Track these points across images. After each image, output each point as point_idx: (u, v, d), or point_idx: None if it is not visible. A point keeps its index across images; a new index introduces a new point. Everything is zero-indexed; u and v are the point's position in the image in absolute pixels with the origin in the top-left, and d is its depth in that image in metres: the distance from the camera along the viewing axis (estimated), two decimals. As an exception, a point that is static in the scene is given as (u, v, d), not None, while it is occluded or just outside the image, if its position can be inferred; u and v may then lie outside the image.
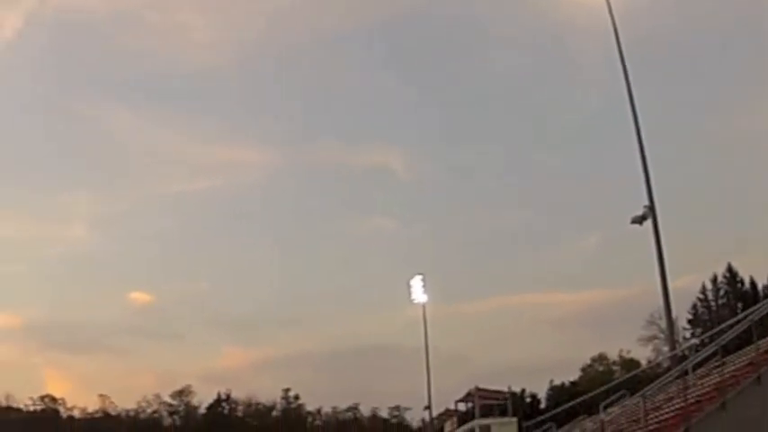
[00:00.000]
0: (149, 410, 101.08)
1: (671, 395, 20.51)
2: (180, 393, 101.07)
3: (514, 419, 47.03)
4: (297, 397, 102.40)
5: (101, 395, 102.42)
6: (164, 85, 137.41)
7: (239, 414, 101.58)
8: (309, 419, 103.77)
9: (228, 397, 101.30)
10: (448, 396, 59.69)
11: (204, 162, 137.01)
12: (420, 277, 61.19)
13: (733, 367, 18.05)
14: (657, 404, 21.17)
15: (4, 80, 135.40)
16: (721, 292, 71.54)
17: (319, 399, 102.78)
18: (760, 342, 18.37)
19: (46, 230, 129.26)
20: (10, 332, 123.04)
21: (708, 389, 18.07)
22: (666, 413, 18.46)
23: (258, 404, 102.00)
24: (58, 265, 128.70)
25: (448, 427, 55.95)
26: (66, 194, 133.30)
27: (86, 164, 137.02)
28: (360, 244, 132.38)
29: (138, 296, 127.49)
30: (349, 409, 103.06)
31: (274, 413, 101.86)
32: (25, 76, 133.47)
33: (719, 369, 17.66)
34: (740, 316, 25.22)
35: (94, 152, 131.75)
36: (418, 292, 61.06)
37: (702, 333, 56.75)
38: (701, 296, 72.09)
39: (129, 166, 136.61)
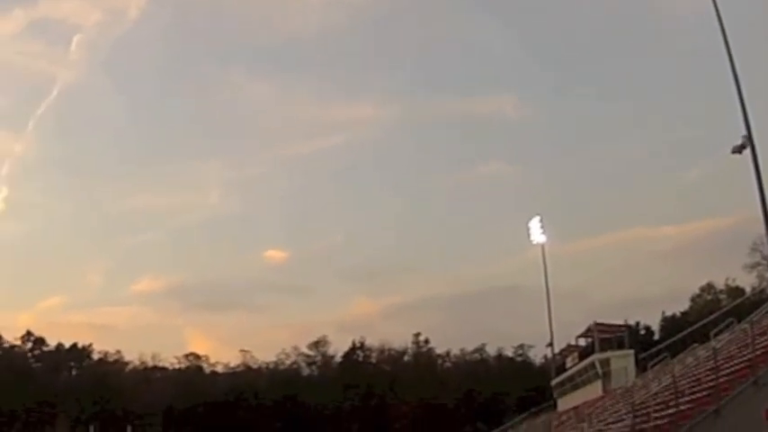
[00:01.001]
0: (288, 362, 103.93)
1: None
2: (316, 344, 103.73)
3: (631, 352, 47.64)
4: (427, 341, 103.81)
5: (241, 350, 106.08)
6: (285, 51, 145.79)
7: (373, 360, 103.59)
8: (439, 362, 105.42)
9: (362, 344, 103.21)
10: (569, 332, 60.78)
11: (327, 121, 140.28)
12: (538, 219, 63.10)
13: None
14: (764, 329, 21.29)
15: (133, 57, 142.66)
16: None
17: (448, 341, 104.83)
18: None
19: (183, 198, 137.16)
20: (153, 296, 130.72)
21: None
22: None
23: (390, 350, 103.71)
24: (195, 230, 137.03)
25: (569, 362, 56.71)
26: (199, 162, 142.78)
27: (216, 132, 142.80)
28: (479, 190, 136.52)
29: (273, 254, 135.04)
30: (476, 351, 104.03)
31: (406, 358, 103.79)
32: (153, 51, 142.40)
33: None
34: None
35: (223, 120, 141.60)
36: (536, 233, 62.75)
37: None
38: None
39: (256, 131, 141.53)
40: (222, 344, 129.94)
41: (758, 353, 18.61)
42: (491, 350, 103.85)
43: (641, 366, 41.53)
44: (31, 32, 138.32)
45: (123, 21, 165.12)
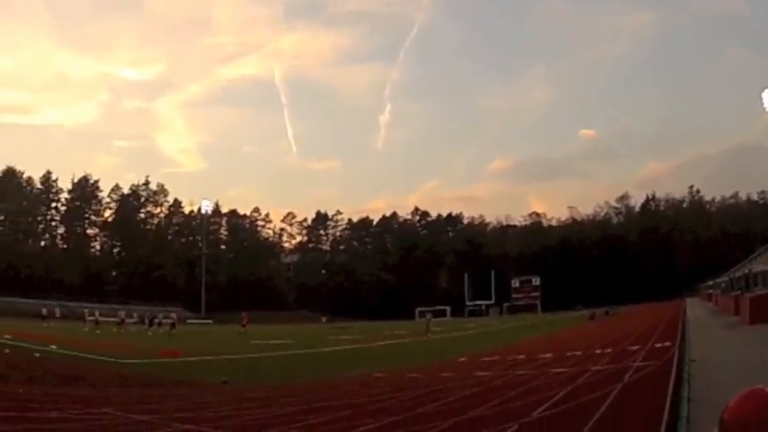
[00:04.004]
0: (602, 214, 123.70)
1: None
2: (621, 198, 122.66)
3: None
4: (698, 191, 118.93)
5: (569, 207, 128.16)
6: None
7: (662, 208, 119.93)
8: (707, 207, 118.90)
9: (654, 196, 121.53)
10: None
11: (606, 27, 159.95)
12: None
13: None
14: None
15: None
16: None
17: (712, 190, 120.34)
18: None
19: (514, 99, 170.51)
20: (504, 172, 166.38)
21: None
22: None
23: (673, 199, 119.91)
24: (529, 119, 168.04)
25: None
26: (524, 66, 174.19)
27: (537, 43, 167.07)
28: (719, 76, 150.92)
29: (585, 133, 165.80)
30: (731, 197, 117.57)
31: (684, 205, 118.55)
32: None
33: None
34: None
35: (542, 33, 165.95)
36: None
37: None
38: None
39: (566, 38, 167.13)
40: (554, 203, 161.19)
41: None
42: (742, 195, 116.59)
43: None
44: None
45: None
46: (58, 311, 65.54)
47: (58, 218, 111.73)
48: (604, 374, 17.78)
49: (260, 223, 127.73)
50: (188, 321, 77.03)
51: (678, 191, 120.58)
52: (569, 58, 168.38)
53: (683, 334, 26.31)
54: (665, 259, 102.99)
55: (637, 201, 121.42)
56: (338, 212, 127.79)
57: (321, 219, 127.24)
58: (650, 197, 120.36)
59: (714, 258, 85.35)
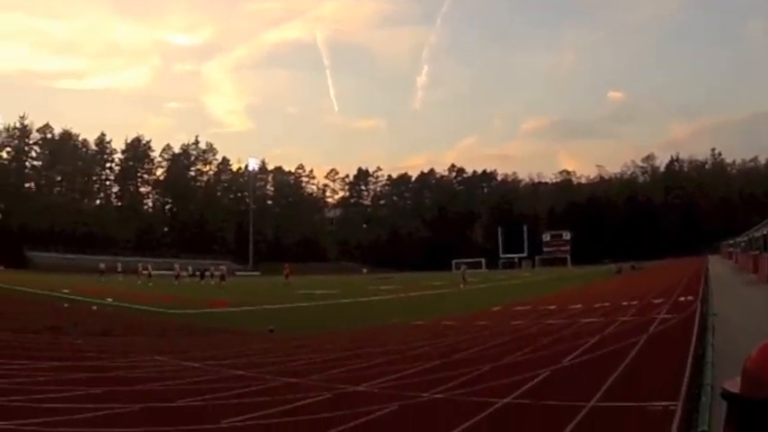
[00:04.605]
0: (628, 173, 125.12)
1: None
2: (647, 158, 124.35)
3: None
4: (720, 153, 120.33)
5: (597, 166, 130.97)
6: None
7: (685, 169, 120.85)
8: (728, 169, 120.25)
9: (678, 158, 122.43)
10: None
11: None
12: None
13: None
14: None
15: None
16: None
17: (734, 153, 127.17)
18: None
19: (544, 59, 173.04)
20: (537, 131, 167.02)
21: None
22: None
23: (696, 161, 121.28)
24: (563, 81, 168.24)
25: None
26: (558, 28, 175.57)
27: (571, 4, 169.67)
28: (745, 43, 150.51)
29: (613, 95, 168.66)
30: (750, 160, 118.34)
31: (706, 166, 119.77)
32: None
33: None
34: None
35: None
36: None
37: None
38: None
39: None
40: (584, 162, 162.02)
41: None
42: (761, 160, 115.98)
43: None
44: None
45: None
46: (113, 267, 66.91)
47: (112, 177, 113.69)
48: (631, 325, 17.66)
49: (304, 179, 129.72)
50: (236, 273, 78.11)
51: (701, 153, 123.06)
52: (602, 20, 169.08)
53: (706, 289, 26.41)
54: (688, 218, 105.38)
55: (662, 161, 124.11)
56: (378, 169, 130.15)
57: (362, 175, 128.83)
58: (674, 158, 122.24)
59: (734, 219, 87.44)
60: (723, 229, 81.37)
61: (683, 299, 24.09)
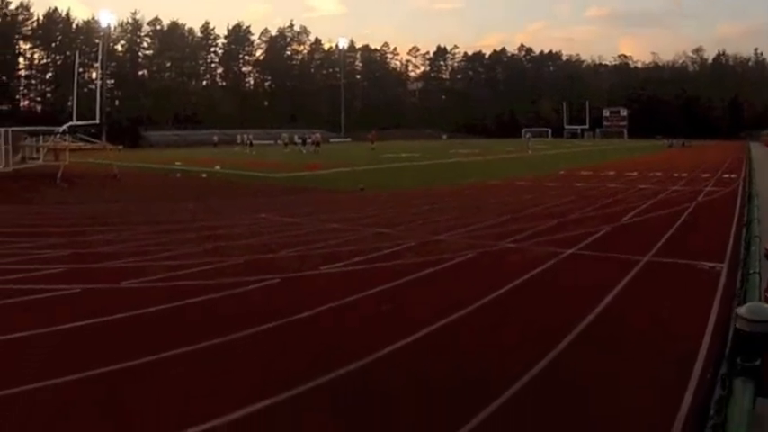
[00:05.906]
0: (679, 62, 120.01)
1: None
2: (696, 50, 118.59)
3: None
4: (761, 53, 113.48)
5: (652, 53, 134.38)
6: None
7: (731, 63, 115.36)
8: None
9: (724, 53, 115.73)
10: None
11: None
12: None
13: None
14: None
15: None
16: None
17: None
18: None
19: None
20: (599, 18, 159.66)
21: None
22: None
23: (739, 57, 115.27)
24: None
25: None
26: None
27: None
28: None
29: None
30: None
31: (750, 63, 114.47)
32: None
33: None
34: None
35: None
36: None
37: None
38: None
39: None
40: (640, 49, 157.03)
41: None
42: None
43: None
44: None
45: None
46: (224, 140, 68.97)
47: (216, 60, 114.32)
48: (681, 194, 17.79)
49: (389, 56, 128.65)
50: (330, 141, 78.87)
51: (745, 51, 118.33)
52: None
53: (748, 168, 26.10)
54: (732, 106, 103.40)
55: (710, 55, 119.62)
56: (455, 47, 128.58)
57: (441, 52, 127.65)
58: (721, 53, 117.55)
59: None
60: (763, 120, 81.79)
61: (727, 176, 23.94)
